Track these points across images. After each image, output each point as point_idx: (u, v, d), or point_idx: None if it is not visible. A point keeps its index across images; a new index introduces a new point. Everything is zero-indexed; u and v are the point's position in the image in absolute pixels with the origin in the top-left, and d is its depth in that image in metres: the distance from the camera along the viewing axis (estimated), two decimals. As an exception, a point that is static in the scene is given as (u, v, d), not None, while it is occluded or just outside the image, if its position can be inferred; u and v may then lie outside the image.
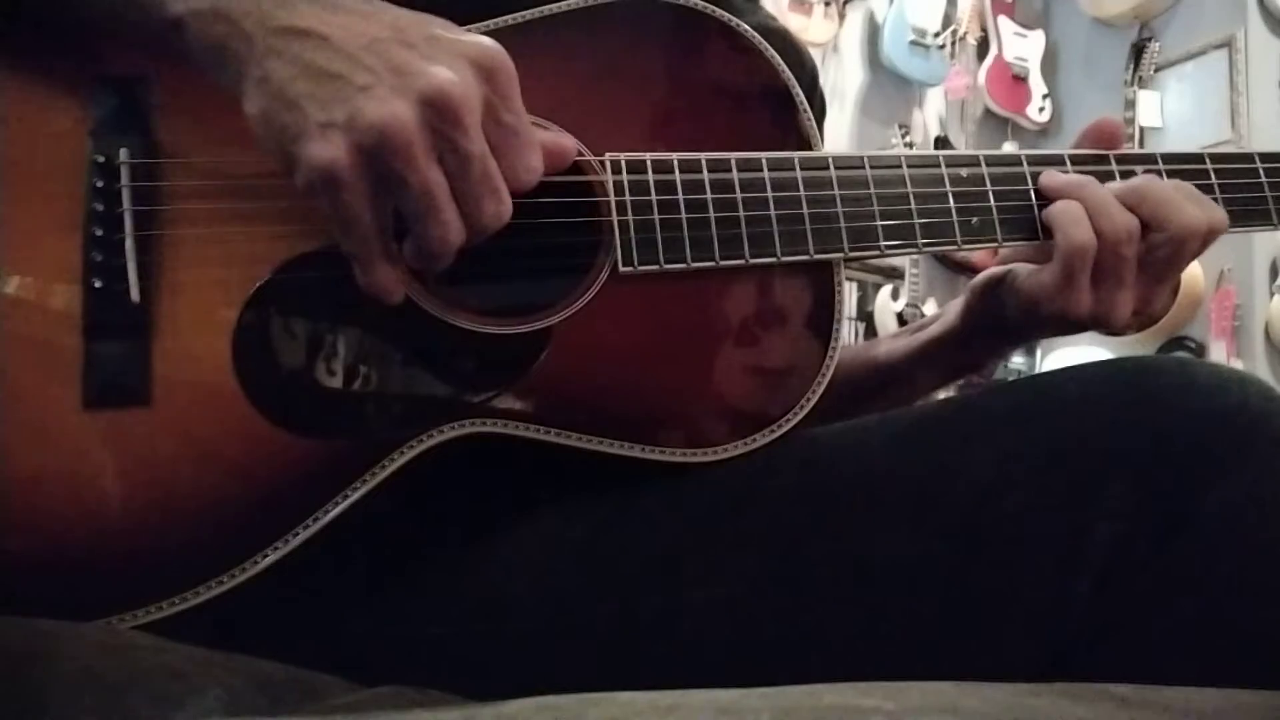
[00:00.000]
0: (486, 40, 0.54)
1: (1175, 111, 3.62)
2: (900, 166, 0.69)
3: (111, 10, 0.57)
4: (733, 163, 0.66)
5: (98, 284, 0.58)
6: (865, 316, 3.51)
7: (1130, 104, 3.57)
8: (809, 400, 0.65)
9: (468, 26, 0.66)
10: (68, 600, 0.53)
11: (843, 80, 3.69)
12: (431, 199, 0.52)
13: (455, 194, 0.53)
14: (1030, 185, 0.71)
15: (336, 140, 0.51)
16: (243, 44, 0.53)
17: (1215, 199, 0.73)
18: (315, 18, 0.53)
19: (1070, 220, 0.68)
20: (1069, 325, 0.70)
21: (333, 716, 0.45)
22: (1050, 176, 0.71)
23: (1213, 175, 0.74)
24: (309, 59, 0.52)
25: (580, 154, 0.64)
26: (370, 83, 0.51)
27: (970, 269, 3.60)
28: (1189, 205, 0.68)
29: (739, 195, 0.66)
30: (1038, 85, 3.96)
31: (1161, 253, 0.68)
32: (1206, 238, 0.69)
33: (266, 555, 0.56)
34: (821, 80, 0.93)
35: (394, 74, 0.51)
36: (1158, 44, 3.63)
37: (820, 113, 0.88)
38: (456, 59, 0.52)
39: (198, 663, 0.46)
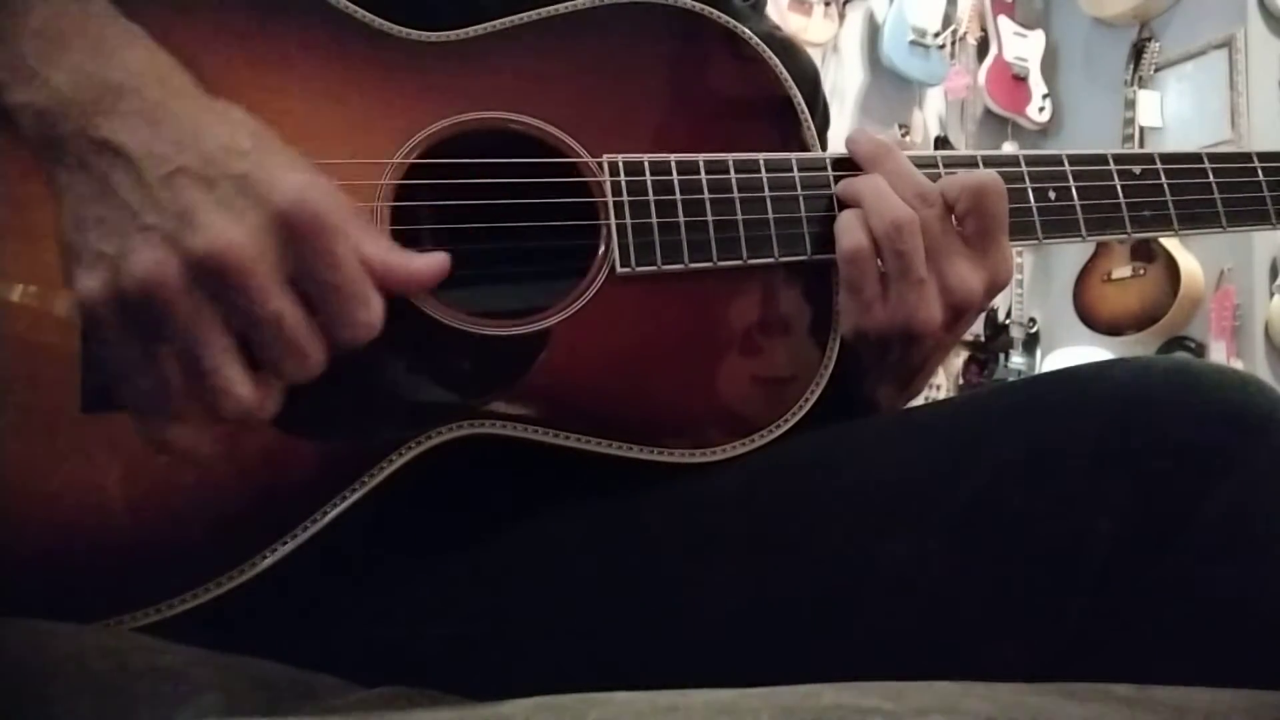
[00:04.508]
0: (309, 187, 0.50)
1: (1175, 111, 3.62)
2: None
3: None
4: (730, 164, 0.66)
5: (97, 286, 0.58)
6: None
7: (1130, 104, 3.57)
8: (807, 400, 0.65)
9: (471, 28, 0.66)
10: (68, 601, 0.53)
11: (843, 80, 3.69)
12: (198, 362, 0.48)
13: (253, 351, 0.49)
14: (1028, 184, 0.70)
15: (99, 280, 0.48)
16: (56, 150, 0.50)
17: (1214, 199, 0.73)
18: (133, 132, 0.49)
19: (839, 229, 0.66)
20: (876, 345, 0.66)
21: (332, 716, 0.45)
22: (841, 184, 0.67)
23: (1211, 175, 0.74)
24: (112, 181, 0.49)
25: (578, 155, 0.64)
26: (153, 224, 0.47)
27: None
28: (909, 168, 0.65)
29: (736, 196, 0.66)
30: (1038, 85, 3.97)
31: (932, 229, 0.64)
32: (965, 194, 0.64)
33: (265, 557, 0.56)
34: (822, 82, 0.93)
35: (178, 221, 0.47)
36: (1158, 44, 3.63)
37: (824, 122, 0.88)
38: (257, 211, 0.48)
39: (197, 663, 0.46)
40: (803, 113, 0.70)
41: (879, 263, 0.65)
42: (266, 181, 0.49)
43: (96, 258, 0.48)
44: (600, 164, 0.65)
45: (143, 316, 0.48)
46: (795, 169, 0.67)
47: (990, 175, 0.66)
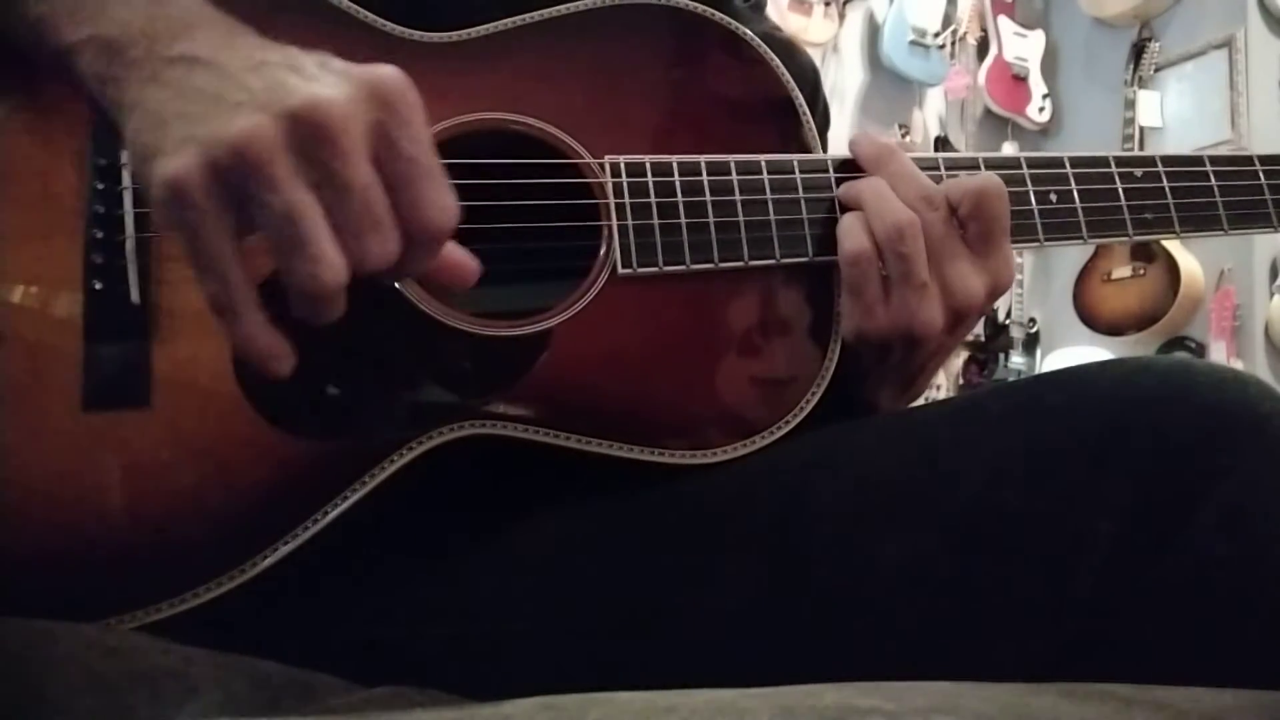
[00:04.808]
0: (388, 68, 0.49)
1: (1175, 111, 3.62)
2: None
3: (13, 30, 0.55)
4: (732, 165, 0.66)
5: (98, 286, 0.58)
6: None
7: (1130, 104, 3.57)
8: (808, 402, 0.65)
9: (473, 29, 0.66)
10: (68, 601, 0.53)
11: (843, 80, 3.69)
12: (296, 226, 0.46)
13: (335, 226, 0.47)
14: (1029, 187, 0.70)
15: (190, 154, 0.46)
16: (126, 71, 0.50)
17: (1215, 202, 0.73)
18: (209, 45, 0.50)
19: (841, 232, 0.66)
20: (877, 347, 0.66)
21: (333, 716, 0.45)
22: (843, 187, 0.68)
23: (1212, 178, 0.74)
24: (190, 82, 0.48)
25: (580, 156, 0.64)
26: (243, 100, 0.47)
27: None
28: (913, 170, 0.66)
29: (738, 197, 0.66)
30: (1038, 85, 3.96)
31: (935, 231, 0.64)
32: (967, 197, 0.65)
33: (266, 557, 0.56)
34: (822, 82, 0.93)
35: (269, 91, 0.47)
36: (1158, 44, 3.63)
37: (824, 122, 0.88)
38: (347, 81, 0.47)
39: (197, 663, 0.46)
40: (804, 113, 0.70)
41: (881, 265, 0.65)
42: (351, 65, 0.49)
43: (183, 141, 0.46)
44: (602, 165, 0.65)
45: (235, 183, 0.46)
46: (797, 170, 0.67)
47: (992, 178, 0.66)
